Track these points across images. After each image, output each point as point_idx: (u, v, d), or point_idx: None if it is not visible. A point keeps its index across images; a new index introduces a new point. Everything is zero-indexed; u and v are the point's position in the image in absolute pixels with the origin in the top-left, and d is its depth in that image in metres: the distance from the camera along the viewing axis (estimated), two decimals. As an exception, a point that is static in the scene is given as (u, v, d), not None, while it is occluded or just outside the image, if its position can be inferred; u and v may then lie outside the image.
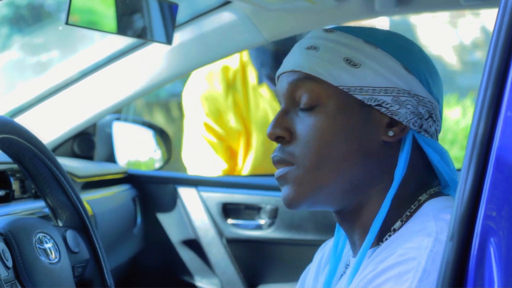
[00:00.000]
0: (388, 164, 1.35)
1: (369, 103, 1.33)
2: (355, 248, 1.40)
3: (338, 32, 1.38)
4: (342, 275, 1.42)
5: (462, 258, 0.98)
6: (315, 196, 1.35)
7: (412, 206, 1.34)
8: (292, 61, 1.38)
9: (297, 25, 2.41)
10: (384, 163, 1.35)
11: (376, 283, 1.20)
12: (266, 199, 2.75)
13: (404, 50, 1.36)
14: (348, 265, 1.43)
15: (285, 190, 1.36)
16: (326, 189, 1.34)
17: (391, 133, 1.33)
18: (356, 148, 1.33)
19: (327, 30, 1.39)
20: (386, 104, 1.33)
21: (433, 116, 1.36)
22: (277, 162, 1.37)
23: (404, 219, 1.34)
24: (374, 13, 2.25)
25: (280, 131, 1.36)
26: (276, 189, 2.75)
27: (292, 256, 2.74)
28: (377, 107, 1.33)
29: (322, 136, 1.33)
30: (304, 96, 1.35)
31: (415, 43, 1.41)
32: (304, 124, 1.35)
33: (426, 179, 1.37)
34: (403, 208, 1.34)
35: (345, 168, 1.33)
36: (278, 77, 1.42)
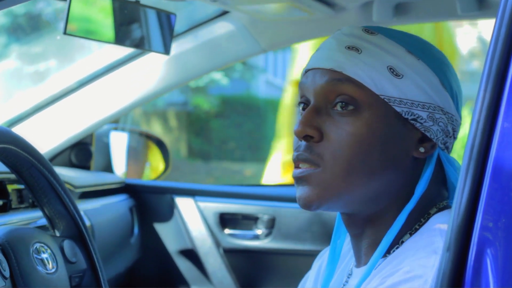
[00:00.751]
0: (411, 178, 1.33)
1: (406, 116, 1.30)
2: (359, 257, 1.38)
3: (379, 36, 1.33)
4: (344, 286, 1.41)
5: (458, 268, 0.98)
6: (336, 201, 1.32)
7: (421, 219, 1.33)
8: (331, 58, 1.33)
9: (294, 35, 2.42)
10: (408, 177, 1.33)
11: None
12: (263, 209, 2.75)
13: (440, 64, 1.34)
14: (350, 274, 1.41)
15: (304, 190, 1.32)
16: (349, 197, 1.31)
17: (422, 150, 1.32)
18: (388, 160, 1.31)
19: (368, 31, 1.34)
20: (421, 119, 1.30)
21: (455, 134, 1.35)
22: (303, 161, 1.32)
23: (413, 232, 1.32)
24: (371, 24, 2.25)
25: (310, 130, 1.31)
26: (274, 199, 2.75)
27: (289, 266, 2.73)
28: (412, 122, 1.30)
29: (357, 143, 1.29)
30: (342, 98, 1.30)
31: (447, 58, 1.38)
32: (338, 127, 1.30)
33: (438, 193, 1.36)
34: (414, 221, 1.33)
35: (373, 179, 1.31)
36: (308, 70, 1.37)
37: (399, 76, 1.30)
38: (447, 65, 1.36)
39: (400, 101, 1.30)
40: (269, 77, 16.47)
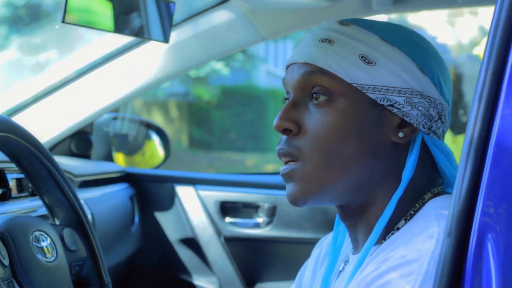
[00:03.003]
0: (396, 164, 1.33)
1: (381, 102, 1.31)
2: (356, 245, 1.39)
3: (354, 26, 1.35)
4: (340, 272, 1.42)
5: (459, 254, 0.98)
6: (322, 194, 1.33)
7: (416, 204, 1.33)
8: (306, 52, 1.35)
9: (294, 23, 2.41)
10: (392, 163, 1.33)
11: (377, 284, 1.19)
12: (264, 198, 2.75)
13: (419, 50, 1.34)
14: (347, 261, 1.42)
15: (291, 188, 1.34)
16: (333, 188, 1.32)
17: (401, 135, 1.32)
18: (366, 147, 1.31)
19: (342, 23, 1.36)
20: (399, 104, 1.31)
21: (442, 118, 1.35)
22: (283, 155, 1.34)
23: (408, 217, 1.32)
24: (371, 12, 2.25)
25: (288, 124, 1.33)
26: (274, 187, 2.75)
27: (290, 254, 2.74)
28: (389, 107, 1.31)
29: (333, 133, 1.30)
30: (316, 90, 1.32)
31: (430, 42, 1.39)
32: (314, 119, 1.32)
33: (431, 179, 1.36)
34: (408, 207, 1.33)
35: (353, 167, 1.31)
36: (288, 66, 1.39)
37: (372, 63, 1.31)
38: (428, 50, 1.36)
39: (374, 88, 1.30)
40: (270, 67, 16.47)
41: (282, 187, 2.73)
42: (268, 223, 2.74)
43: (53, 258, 1.51)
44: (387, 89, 1.30)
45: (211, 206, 2.78)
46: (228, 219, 2.78)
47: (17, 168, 1.88)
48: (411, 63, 1.32)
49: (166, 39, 1.96)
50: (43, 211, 1.83)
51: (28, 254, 1.45)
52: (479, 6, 2.59)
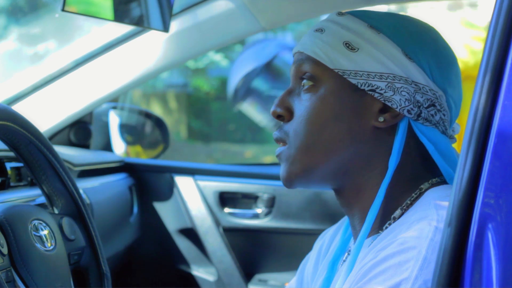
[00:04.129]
0: (382, 150, 1.35)
1: (362, 87, 1.33)
2: (355, 233, 1.40)
3: (347, 16, 1.39)
4: (344, 261, 1.42)
5: (460, 244, 0.98)
6: (307, 175, 1.37)
7: (413, 194, 1.34)
8: (301, 42, 1.41)
9: (294, 13, 2.40)
10: (378, 149, 1.35)
11: (375, 271, 1.19)
12: (263, 188, 2.75)
13: (409, 36, 1.36)
14: (350, 251, 1.43)
15: (281, 168, 1.40)
16: (317, 170, 1.36)
17: (381, 119, 1.33)
18: (346, 132, 1.34)
19: (339, 13, 1.41)
20: (380, 89, 1.33)
21: (436, 105, 1.35)
22: (275, 140, 1.41)
23: (405, 207, 1.33)
24: (372, 1, 2.24)
25: (280, 110, 1.40)
26: (273, 178, 2.75)
27: (289, 245, 2.74)
28: (370, 92, 1.33)
29: (313, 117, 1.35)
30: (304, 76, 1.38)
31: (431, 30, 1.40)
32: (301, 104, 1.37)
33: (426, 168, 1.36)
34: (404, 196, 1.34)
35: (335, 151, 1.35)
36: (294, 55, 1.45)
37: (354, 49, 1.35)
38: (420, 36, 1.37)
39: (356, 73, 1.34)
40: (269, 59, 16.45)
41: (281, 178, 2.74)
42: (267, 214, 2.74)
43: (51, 247, 1.51)
44: (368, 74, 1.33)
45: (210, 197, 2.78)
46: (227, 210, 2.78)
47: (16, 157, 1.88)
48: (396, 49, 1.34)
49: (166, 29, 1.96)
50: (42, 200, 1.82)
51: (27, 243, 1.45)
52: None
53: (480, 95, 1.00)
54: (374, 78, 1.33)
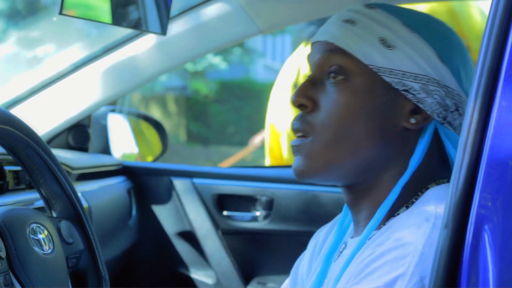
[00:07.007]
0: (405, 150, 1.34)
1: (396, 86, 1.31)
2: (357, 228, 1.39)
3: (378, 10, 1.36)
4: (338, 256, 1.42)
5: (456, 245, 0.98)
6: (327, 172, 1.35)
7: (419, 193, 1.33)
8: (328, 31, 1.37)
9: (292, 15, 2.41)
10: (401, 149, 1.34)
11: (372, 267, 1.20)
12: (261, 191, 2.75)
13: (442, 39, 1.35)
14: (345, 246, 1.42)
15: (297, 161, 1.36)
16: (339, 167, 1.34)
17: (413, 121, 1.32)
18: (376, 129, 1.32)
19: (368, 6, 1.38)
20: (414, 90, 1.31)
21: (460, 110, 1.34)
22: (296, 131, 1.37)
23: (409, 205, 1.33)
24: (370, 2, 2.24)
25: (303, 100, 1.35)
26: (272, 180, 2.75)
27: (288, 248, 2.73)
28: (403, 92, 1.32)
29: (345, 112, 1.32)
30: (334, 68, 1.34)
31: (455, 33, 1.39)
32: (329, 97, 1.34)
33: (438, 169, 1.36)
34: (411, 195, 1.34)
35: (361, 148, 1.32)
36: (312, 44, 1.41)
37: (391, 47, 1.32)
38: (451, 40, 1.36)
39: (391, 71, 1.31)
40: (267, 61, 16.47)
41: (280, 181, 2.75)
42: (265, 217, 2.74)
43: (50, 251, 1.51)
44: (403, 74, 1.31)
45: (209, 199, 2.78)
46: (225, 213, 2.78)
47: (14, 161, 1.88)
48: (431, 51, 1.32)
49: (163, 32, 1.96)
50: (40, 203, 1.82)
51: (25, 246, 1.44)
52: (475, 0, 2.59)
53: (476, 95, 1.00)
54: (408, 78, 1.31)
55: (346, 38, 1.34)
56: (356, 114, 1.32)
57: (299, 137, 1.36)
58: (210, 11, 2.45)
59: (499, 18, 1.00)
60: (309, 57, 1.40)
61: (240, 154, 8.13)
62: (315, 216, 2.68)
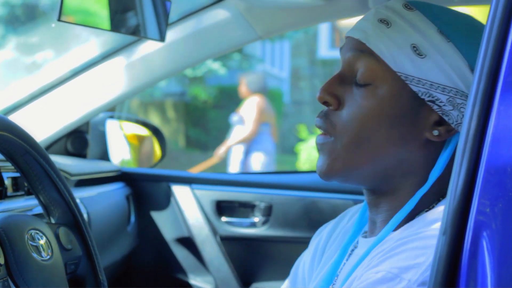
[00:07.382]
0: (426, 161, 1.32)
1: (422, 97, 1.29)
2: (374, 228, 1.39)
3: (416, 12, 1.33)
4: (350, 255, 1.42)
5: (455, 252, 0.98)
6: (347, 173, 1.34)
7: (440, 198, 1.33)
8: (362, 29, 1.34)
9: (290, 21, 2.41)
10: (422, 159, 1.32)
11: (392, 253, 1.20)
12: (260, 197, 2.75)
13: (476, 48, 1.32)
14: (356, 246, 1.42)
15: (320, 160, 1.35)
16: (358, 170, 1.33)
17: (436, 133, 1.31)
18: (397, 138, 1.31)
19: (407, 6, 1.34)
20: (440, 102, 1.29)
21: None
22: (318, 127, 1.36)
23: (431, 208, 1.32)
24: (367, 10, 2.24)
25: (328, 97, 1.34)
26: (270, 186, 2.75)
27: (287, 254, 2.73)
28: (429, 103, 1.30)
29: (368, 117, 1.30)
30: (361, 70, 1.32)
31: None
32: (354, 99, 1.32)
33: None
34: (431, 201, 1.33)
35: (381, 155, 1.31)
36: (346, 38, 1.38)
37: (422, 55, 1.29)
38: None
39: (419, 80, 1.29)
40: (266, 67, 16.47)
41: (278, 187, 2.75)
42: (264, 223, 2.74)
43: (48, 257, 1.51)
44: (431, 84, 1.29)
45: (207, 206, 2.78)
46: (224, 219, 2.78)
47: (12, 167, 1.88)
48: (463, 62, 1.29)
49: (162, 38, 1.96)
50: (39, 210, 1.82)
51: (24, 253, 1.44)
52: (475, 5, 2.59)
53: (474, 101, 1.00)
54: (436, 89, 1.29)
55: (378, 40, 1.31)
56: (379, 120, 1.30)
57: (322, 134, 1.35)
58: (209, 17, 2.45)
59: (497, 22, 1.00)
60: (341, 51, 1.38)
61: (207, 163, 8.32)
62: (313, 222, 2.68)
